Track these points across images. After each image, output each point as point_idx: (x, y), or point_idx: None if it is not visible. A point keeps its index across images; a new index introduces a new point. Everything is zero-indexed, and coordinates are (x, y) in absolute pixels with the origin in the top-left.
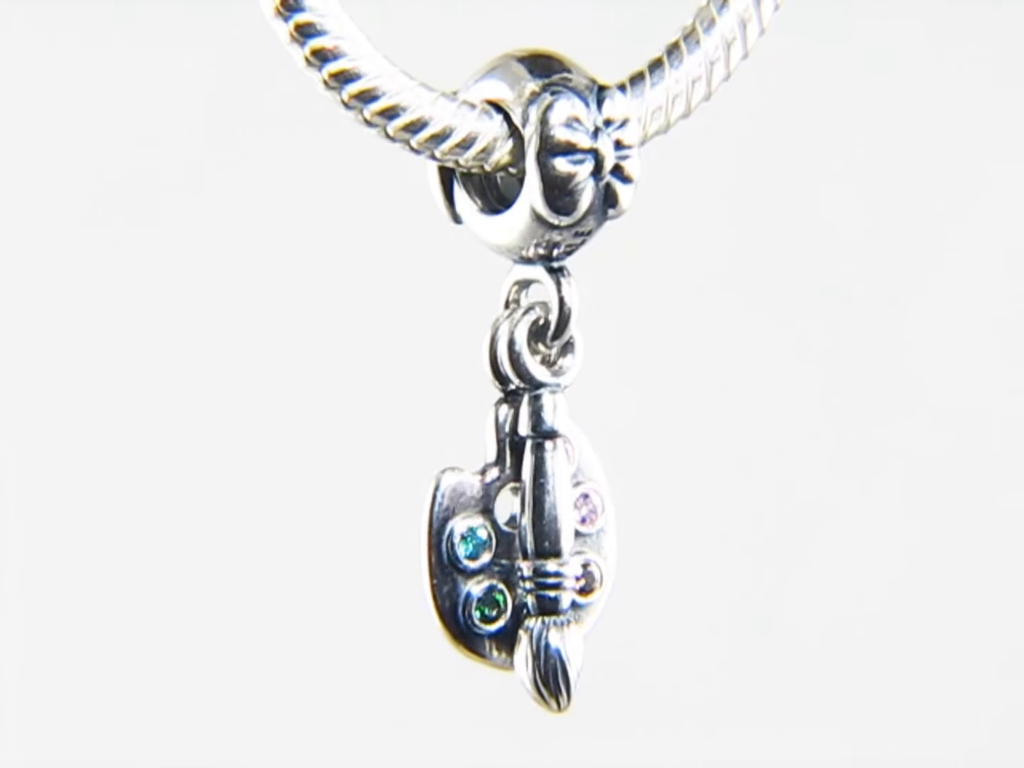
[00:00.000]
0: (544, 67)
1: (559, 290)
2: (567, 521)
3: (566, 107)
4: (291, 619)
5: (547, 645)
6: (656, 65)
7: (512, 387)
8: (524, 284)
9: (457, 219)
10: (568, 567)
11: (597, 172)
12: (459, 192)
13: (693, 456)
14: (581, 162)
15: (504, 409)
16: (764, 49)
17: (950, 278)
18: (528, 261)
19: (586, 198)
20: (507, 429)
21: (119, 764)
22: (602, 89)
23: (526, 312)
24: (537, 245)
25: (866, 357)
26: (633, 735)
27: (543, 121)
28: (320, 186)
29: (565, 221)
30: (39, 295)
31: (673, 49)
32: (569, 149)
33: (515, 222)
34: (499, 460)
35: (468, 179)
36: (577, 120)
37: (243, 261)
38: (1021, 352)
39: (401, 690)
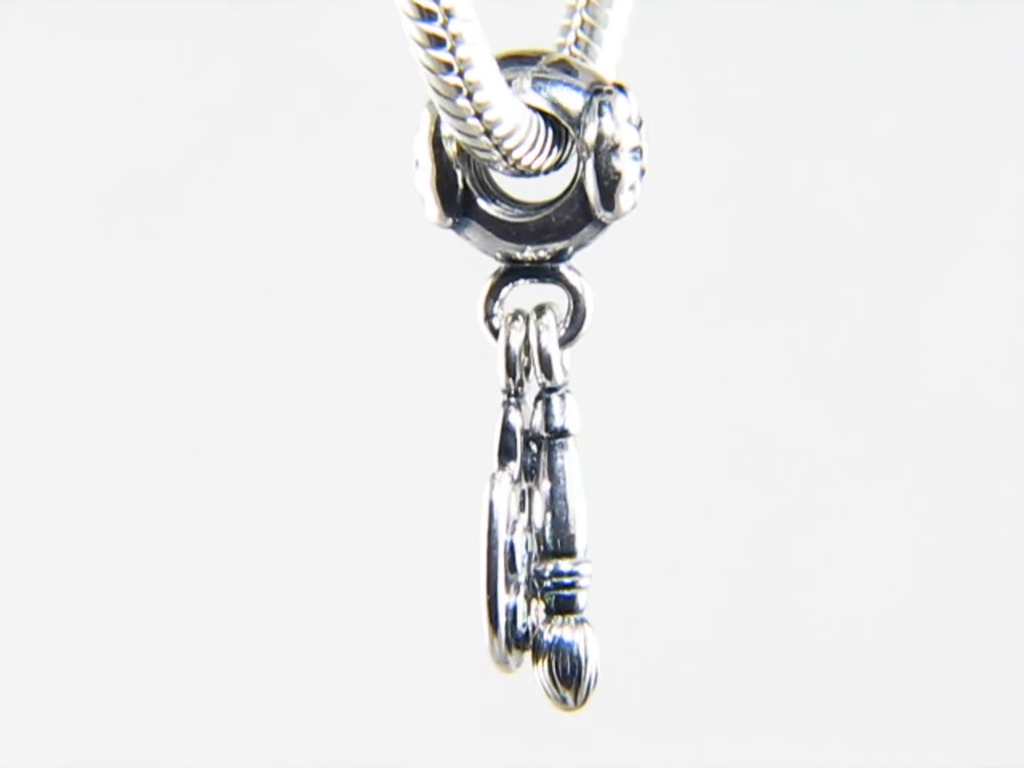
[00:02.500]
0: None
1: (577, 289)
2: (581, 521)
3: (617, 107)
4: (299, 622)
5: (564, 643)
6: (589, 29)
7: (516, 389)
8: (507, 285)
9: (455, 224)
10: (583, 566)
11: (641, 169)
12: (474, 194)
13: (694, 459)
14: (634, 160)
15: (513, 411)
16: (767, 50)
17: (959, 276)
18: (517, 262)
19: (631, 195)
20: (518, 430)
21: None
22: (621, 87)
23: (540, 315)
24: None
25: (874, 355)
26: (635, 737)
27: (602, 121)
28: (314, 191)
29: (609, 217)
30: (41, 296)
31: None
32: (621, 147)
33: (547, 219)
34: (511, 462)
35: (482, 180)
36: (629, 119)
37: (237, 268)
38: None
39: (404, 693)
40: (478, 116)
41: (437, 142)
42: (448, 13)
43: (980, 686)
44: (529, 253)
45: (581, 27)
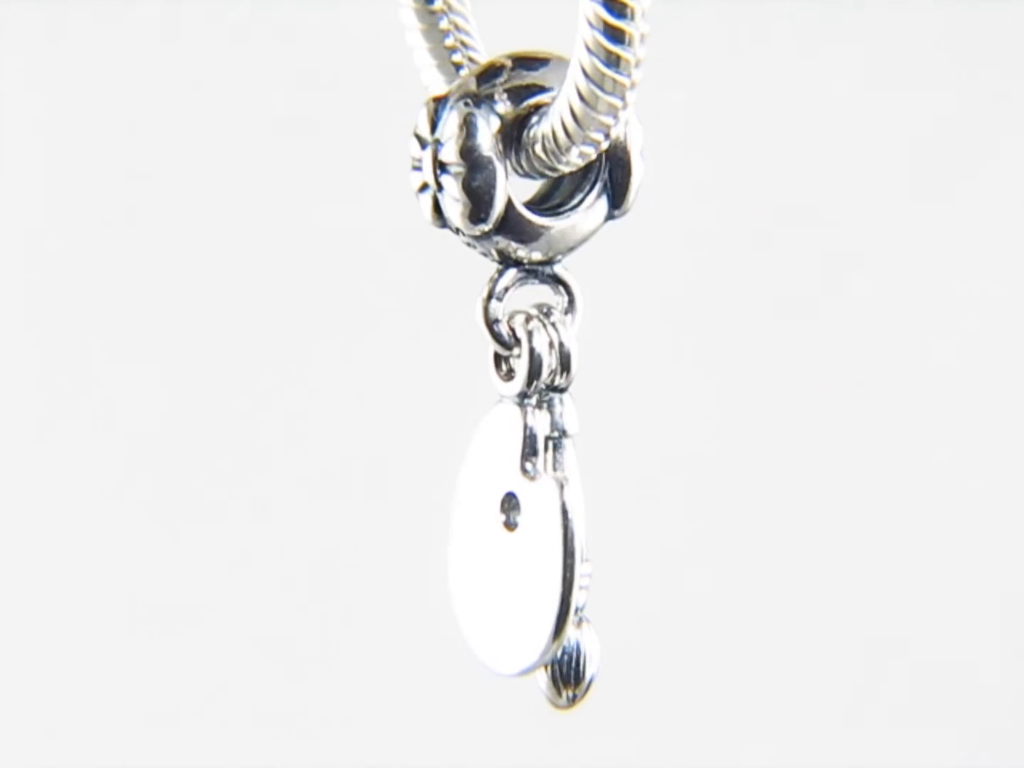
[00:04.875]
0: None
1: (572, 288)
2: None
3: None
4: (295, 623)
5: (566, 642)
6: (463, 31)
7: (525, 390)
8: (506, 286)
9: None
10: (583, 566)
11: None
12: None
13: (691, 459)
14: (642, 159)
15: (531, 411)
16: (762, 51)
17: (958, 278)
18: (514, 263)
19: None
20: (538, 431)
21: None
22: None
23: (549, 314)
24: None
25: (874, 355)
26: (632, 737)
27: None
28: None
29: (617, 215)
30: (34, 297)
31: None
32: (635, 147)
33: (574, 221)
34: (532, 463)
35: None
36: (637, 119)
37: (235, 268)
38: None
39: (400, 693)
40: (614, 115)
41: (472, 145)
42: (644, 14)
43: (980, 686)
44: (522, 253)
45: (456, 29)
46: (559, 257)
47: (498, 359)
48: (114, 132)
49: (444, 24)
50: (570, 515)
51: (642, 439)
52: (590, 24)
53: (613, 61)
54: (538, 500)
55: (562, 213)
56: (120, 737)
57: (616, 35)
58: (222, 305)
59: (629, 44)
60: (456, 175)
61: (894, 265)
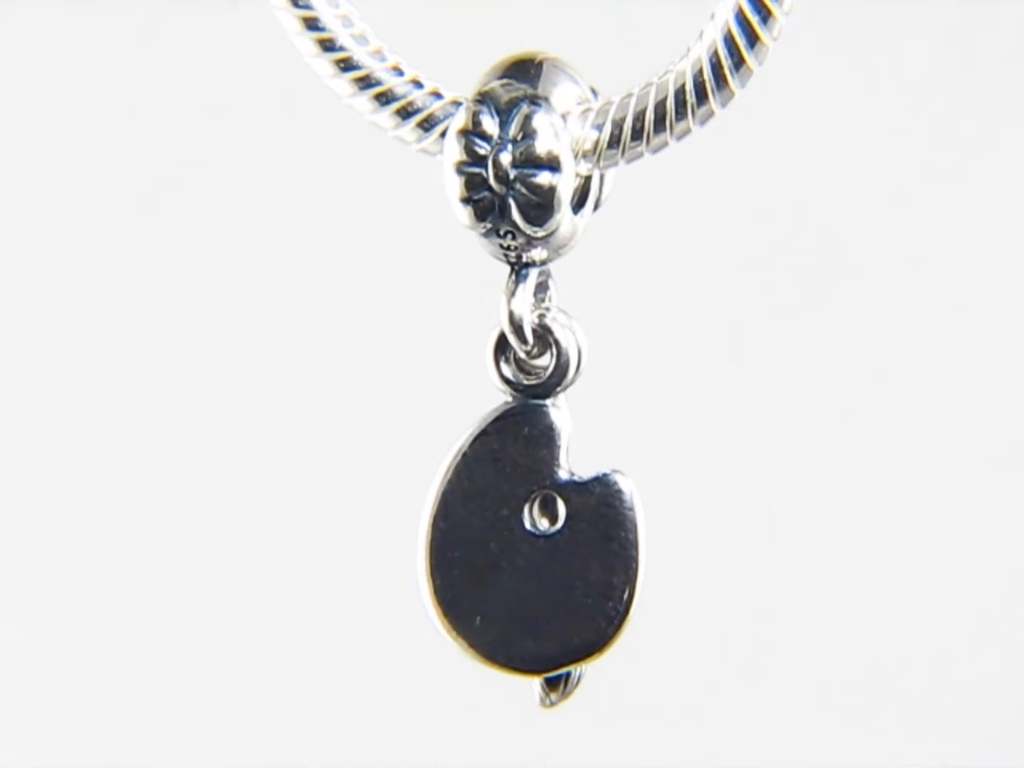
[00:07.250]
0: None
1: (553, 291)
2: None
3: None
4: (289, 621)
5: None
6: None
7: (551, 390)
8: (522, 288)
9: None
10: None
11: None
12: None
13: (688, 456)
14: None
15: (554, 410)
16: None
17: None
18: (525, 264)
19: None
20: (563, 429)
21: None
22: None
23: (557, 314)
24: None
25: (874, 352)
26: (626, 736)
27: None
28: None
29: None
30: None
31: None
32: None
33: (578, 221)
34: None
35: None
36: None
37: (242, 262)
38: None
39: (392, 692)
40: (726, 103)
41: (542, 146)
42: (788, 14)
43: (980, 686)
44: (534, 253)
45: (367, 33)
46: (553, 257)
47: (498, 358)
48: (114, 132)
49: (354, 31)
50: (638, 510)
51: (639, 440)
52: (756, 23)
53: (753, 43)
54: (583, 498)
55: (575, 213)
56: (116, 734)
57: (766, 16)
58: (217, 303)
59: (773, 32)
60: (527, 177)
61: (893, 266)
